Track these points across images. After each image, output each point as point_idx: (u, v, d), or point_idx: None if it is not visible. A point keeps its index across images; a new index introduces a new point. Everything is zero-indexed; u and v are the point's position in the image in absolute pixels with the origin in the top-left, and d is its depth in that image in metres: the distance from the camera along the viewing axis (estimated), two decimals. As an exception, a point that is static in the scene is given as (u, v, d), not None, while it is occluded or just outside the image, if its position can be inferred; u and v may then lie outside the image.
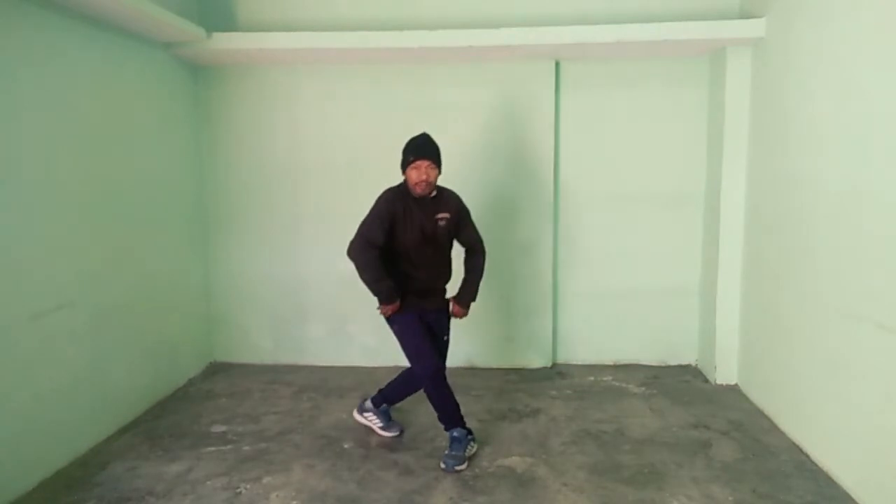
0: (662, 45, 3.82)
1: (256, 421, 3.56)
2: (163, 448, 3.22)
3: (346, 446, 3.23)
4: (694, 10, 3.91)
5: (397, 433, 3.32)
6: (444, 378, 3.10)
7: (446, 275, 3.21)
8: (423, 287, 3.11)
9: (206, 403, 3.83)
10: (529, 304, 4.42)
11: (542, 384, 4.12)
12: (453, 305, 3.23)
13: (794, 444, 3.18)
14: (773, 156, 3.52)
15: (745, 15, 3.84)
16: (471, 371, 4.39)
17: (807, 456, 3.05)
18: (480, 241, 3.27)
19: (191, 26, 3.64)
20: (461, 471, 2.94)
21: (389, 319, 3.10)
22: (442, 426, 3.13)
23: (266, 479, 2.89)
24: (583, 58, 4.22)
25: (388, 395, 3.37)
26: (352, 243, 3.00)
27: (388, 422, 3.36)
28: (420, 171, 2.94)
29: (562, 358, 4.55)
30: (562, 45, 3.81)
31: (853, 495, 2.68)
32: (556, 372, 4.37)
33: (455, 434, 3.05)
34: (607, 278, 4.43)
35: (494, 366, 4.47)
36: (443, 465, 2.97)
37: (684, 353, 4.47)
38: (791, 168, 3.30)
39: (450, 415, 3.10)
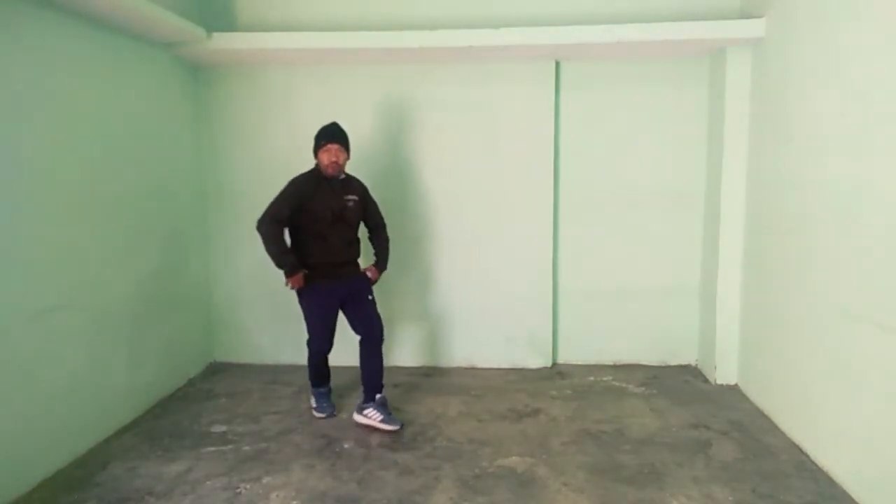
0: (662, 45, 3.83)
1: (256, 421, 3.56)
2: (163, 448, 3.22)
3: (346, 446, 3.23)
4: (694, 10, 3.91)
5: (398, 427, 3.39)
6: (326, 360, 3.62)
7: (356, 249, 3.59)
8: (338, 260, 3.47)
9: (206, 403, 3.83)
10: (529, 304, 4.42)
11: (542, 384, 4.12)
12: (370, 269, 3.65)
13: (794, 444, 3.18)
14: (773, 156, 3.52)
15: (745, 15, 3.84)
16: (471, 371, 4.39)
17: (807, 456, 3.05)
18: (384, 222, 3.73)
19: (191, 26, 3.64)
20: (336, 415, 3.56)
21: (299, 293, 3.46)
22: (309, 383, 3.67)
23: (266, 479, 2.89)
24: (583, 58, 4.22)
25: (368, 385, 3.53)
26: (260, 220, 3.31)
27: (387, 415, 3.43)
28: (331, 154, 3.34)
29: (562, 358, 4.55)
30: (562, 45, 3.81)
31: (853, 495, 2.68)
32: (556, 372, 4.37)
33: (321, 391, 3.66)
34: (607, 278, 4.43)
35: (494, 366, 4.48)
36: (322, 414, 3.57)
37: (684, 353, 4.47)
38: (791, 168, 3.30)
39: (315, 377, 3.64)
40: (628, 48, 3.93)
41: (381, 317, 3.61)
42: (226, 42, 3.86)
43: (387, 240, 3.72)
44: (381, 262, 3.67)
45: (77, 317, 3.15)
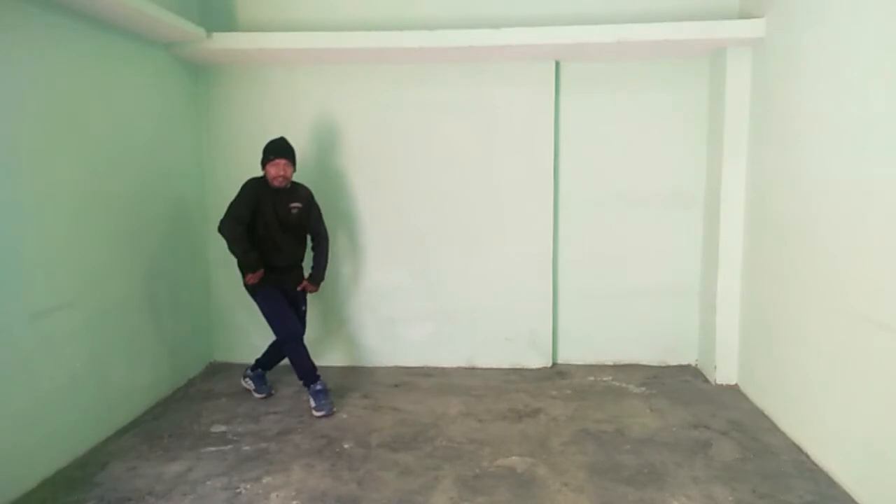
0: (662, 45, 3.82)
1: (256, 421, 3.56)
2: (163, 448, 3.22)
3: (346, 446, 3.23)
4: (694, 10, 3.91)
5: (265, 395, 3.90)
6: (302, 341, 3.68)
7: (301, 254, 3.81)
8: (283, 265, 3.68)
9: (206, 403, 3.83)
10: (529, 304, 4.42)
11: (542, 384, 4.12)
12: (306, 283, 3.83)
13: (794, 444, 3.18)
14: (773, 155, 3.52)
15: (745, 15, 3.84)
16: (471, 371, 4.39)
17: (807, 456, 3.05)
18: (325, 231, 3.90)
19: (191, 26, 3.64)
20: (335, 412, 3.60)
21: (253, 292, 3.65)
22: (302, 383, 3.70)
23: (266, 479, 2.89)
24: (583, 58, 4.22)
25: (263, 362, 3.95)
26: (222, 222, 3.51)
27: (260, 385, 3.93)
28: (279, 168, 3.54)
29: (562, 358, 4.55)
30: (562, 45, 3.81)
31: (853, 495, 2.68)
32: (556, 372, 4.37)
33: (318, 388, 3.64)
34: (607, 278, 4.43)
35: (494, 366, 4.48)
36: (321, 412, 3.57)
37: (684, 353, 4.47)
38: (791, 168, 3.30)
39: (307, 372, 3.66)
40: (628, 48, 3.93)
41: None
42: (226, 42, 3.86)
43: (326, 249, 3.88)
44: (316, 274, 3.84)
45: (77, 317, 3.14)
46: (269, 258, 3.61)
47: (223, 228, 3.50)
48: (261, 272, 3.57)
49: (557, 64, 4.26)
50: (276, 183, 3.56)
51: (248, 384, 3.96)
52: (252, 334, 4.58)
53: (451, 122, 4.31)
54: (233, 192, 4.46)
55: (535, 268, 4.38)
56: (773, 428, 3.38)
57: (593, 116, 4.31)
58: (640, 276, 4.41)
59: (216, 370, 4.46)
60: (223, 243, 4.66)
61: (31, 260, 2.85)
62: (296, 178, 3.75)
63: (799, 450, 3.12)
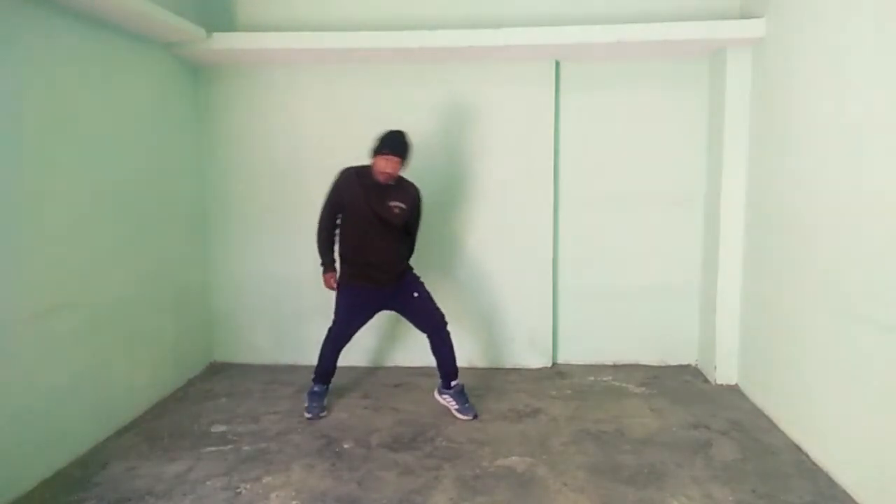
0: (662, 45, 3.83)
1: (256, 421, 3.56)
2: (163, 448, 3.22)
3: (346, 446, 3.23)
4: (694, 10, 3.91)
5: (471, 416, 3.55)
6: (337, 344, 3.57)
7: (399, 251, 3.59)
8: (376, 261, 3.45)
9: (206, 403, 3.83)
10: (529, 304, 4.42)
11: (542, 384, 4.12)
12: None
13: (794, 444, 3.18)
14: (773, 156, 3.52)
15: (745, 15, 3.84)
16: (471, 371, 4.39)
17: (807, 456, 3.05)
18: (413, 241, 3.73)
19: (191, 26, 3.64)
20: (324, 416, 3.57)
21: (337, 288, 3.53)
22: (312, 377, 3.65)
23: (266, 479, 2.89)
24: (583, 58, 4.22)
25: (442, 372, 3.62)
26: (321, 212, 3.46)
27: (463, 404, 3.59)
28: (388, 163, 3.29)
29: (562, 358, 4.55)
30: (562, 45, 3.82)
31: (853, 495, 2.68)
32: (556, 372, 4.37)
33: (314, 389, 3.63)
34: (607, 278, 4.43)
35: (494, 366, 4.48)
36: (307, 414, 3.55)
37: (684, 353, 4.47)
38: (791, 168, 3.30)
39: (319, 375, 3.63)
40: (628, 48, 3.93)
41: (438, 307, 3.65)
42: (226, 42, 3.87)
43: (408, 253, 3.72)
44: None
45: (77, 317, 3.14)
46: (362, 254, 3.42)
47: (317, 228, 3.47)
48: (330, 278, 3.49)
49: (557, 64, 4.26)
50: (381, 178, 3.32)
51: (448, 402, 3.64)
52: (252, 334, 4.59)
53: (450, 122, 4.31)
54: (233, 192, 4.50)
55: (535, 268, 4.39)
56: (773, 428, 3.38)
57: (593, 116, 4.31)
58: (641, 276, 4.41)
59: (216, 370, 4.46)
60: (223, 243, 4.68)
61: (31, 260, 2.85)
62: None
63: (799, 450, 3.12)
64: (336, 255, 3.57)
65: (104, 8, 3.07)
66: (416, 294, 3.59)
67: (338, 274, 3.56)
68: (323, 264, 3.51)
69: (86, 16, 3.17)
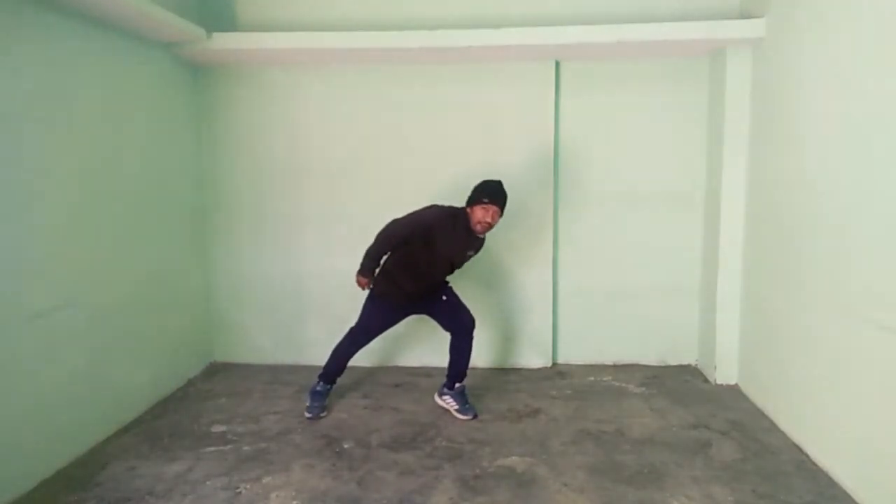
0: (662, 45, 3.82)
1: (256, 421, 3.56)
2: (163, 448, 3.22)
3: (346, 446, 3.23)
4: (694, 10, 3.91)
5: (471, 416, 3.57)
6: (351, 348, 3.59)
7: (442, 280, 3.67)
8: (424, 287, 3.50)
9: (206, 403, 3.83)
10: (529, 304, 4.42)
11: (542, 384, 4.12)
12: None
13: (794, 444, 3.18)
14: (773, 155, 3.52)
15: (745, 15, 3.84)
16: (471, 371, 4.36)
17: (807, 456, 3.05)
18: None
19: (191, 26, 3.64)
20: (324, 417, 3.57)
21: (370, 293, 3.52)
22: (318, 374, 3.67)
23: (266, 479, 2.89)
24: (583, 58, 4.22)
25: (449, 372, 3.66)
26: (387, 226, 3.33)
27: (463, 405, 3.62)
28: (487, 213, 3.26)
29: (562, 358, 4.55)
30: (562, 45, 3.81)
31: (853, 495, 2.68)
32: (556, 372, 4.37)
33: (317, 388, 3.64)
34: (607, 278, 4.43)
35: (494, 366, 4.48)
36: (307, 413, 3.55)
37: (684, 353, 4.47)
38: (791, 168, 3.30)
39: (328, 374, 3.64)
40: (628, 48, 3.93)
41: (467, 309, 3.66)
42: (226, 42, 3.86)
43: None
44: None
45: (77, 317, 3.14)
46: (414, 282, 3.41)
47: (386, 228, 3.32)
48: (365, 283, 3.42)
49: (557, 64, 4.26)
50: (478, 228, 3.29)
51: (448, 403, 3.67)
52: (253, 334, 4.59)
53: (450, 122, 4.31)
54: (233, 192, 4.49)
55: (534, 268, 4.38)
56: (773, 428, 3.38)
57: (593, 116, 4.30)
58: (641, 275, 4.40)
59: (216, 370, 4.46)
60: (223, 243, 4.68)
61: (31, 260, 2.85)
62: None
63: (799, 450, 3.12)
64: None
65: (104, 8, 3.07)
66: (444, 297, 3.63)
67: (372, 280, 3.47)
68: (363, 268, 3.41)
69: (86, 16, 3.17)
